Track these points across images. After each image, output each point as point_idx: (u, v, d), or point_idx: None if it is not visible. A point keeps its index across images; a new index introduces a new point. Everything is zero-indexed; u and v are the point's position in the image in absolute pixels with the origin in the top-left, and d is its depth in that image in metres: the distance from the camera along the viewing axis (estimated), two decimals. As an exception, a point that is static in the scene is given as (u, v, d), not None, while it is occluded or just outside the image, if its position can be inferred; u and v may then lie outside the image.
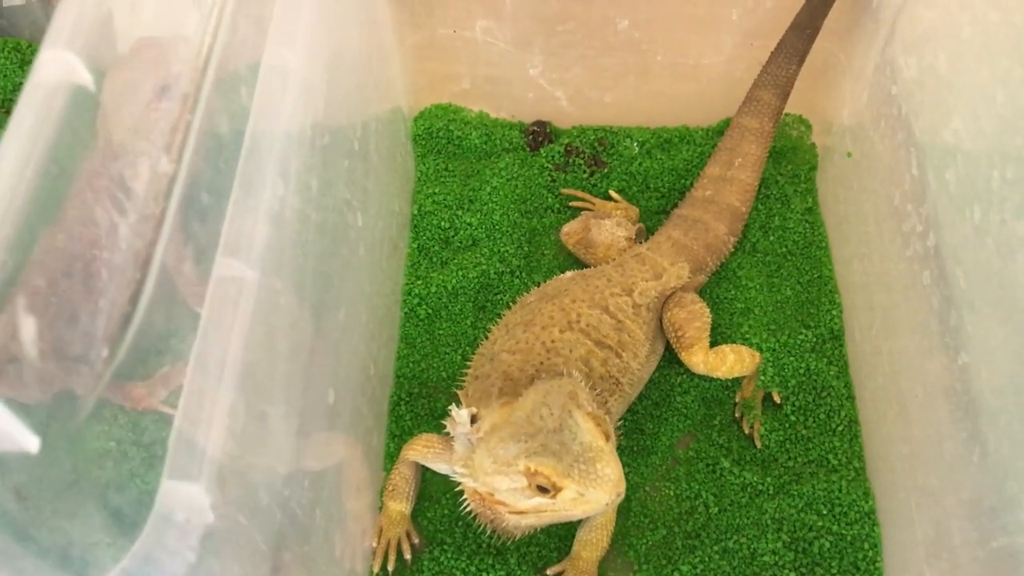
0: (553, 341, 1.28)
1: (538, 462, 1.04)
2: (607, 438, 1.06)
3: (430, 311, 1.47)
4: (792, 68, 1.51)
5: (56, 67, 0.61)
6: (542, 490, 1.05)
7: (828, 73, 1.56)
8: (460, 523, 1.30)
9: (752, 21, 1.51)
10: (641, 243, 1.47)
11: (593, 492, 1.03)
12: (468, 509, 1.16)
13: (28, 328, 0.57)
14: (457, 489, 1.16)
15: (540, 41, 1.53)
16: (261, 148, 0.93)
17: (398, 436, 1.37)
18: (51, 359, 1.13)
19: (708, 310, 1.39)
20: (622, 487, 1.04)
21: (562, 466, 1.04)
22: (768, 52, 1.51)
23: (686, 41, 1.52)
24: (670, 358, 1.40)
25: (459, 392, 1.29)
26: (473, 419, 1.14)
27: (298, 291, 1.00)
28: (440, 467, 1.26)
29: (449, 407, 1.16)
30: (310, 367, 1.06)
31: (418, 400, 1.40)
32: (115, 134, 1.32)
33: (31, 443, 0.51)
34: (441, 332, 1.46)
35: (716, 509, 1.30)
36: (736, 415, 1.38)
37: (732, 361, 1.36)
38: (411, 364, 1.43)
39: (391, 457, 1.35)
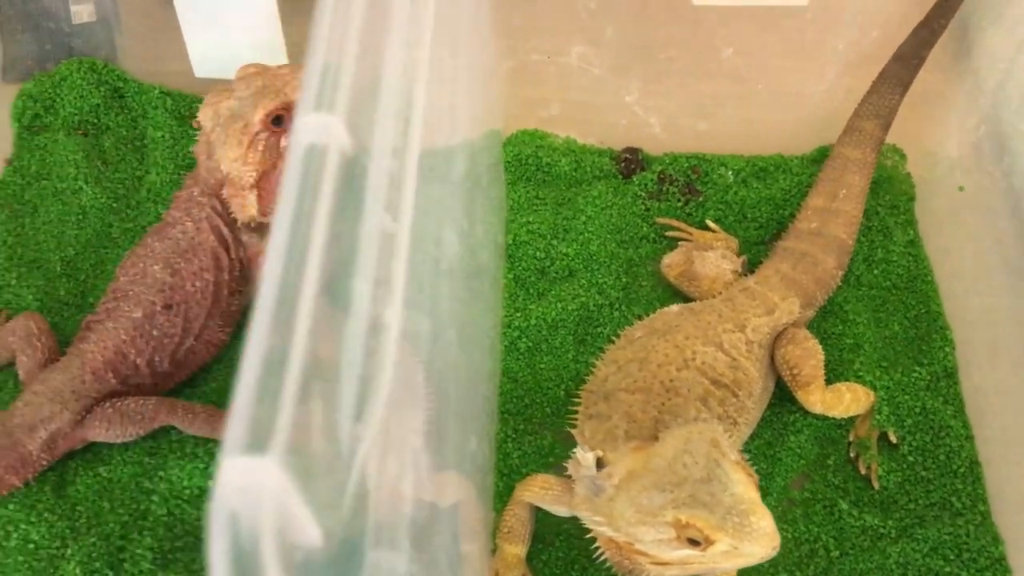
0: (672, 380, 1.24)
1: (690, 514, 1.01)
2: (757, 488, 1.03)
3: (530, 344, 1.43)
4: (895, 98, 1.49)
5: (319, 132, 0.57)
6: (692, 542, 1.02)
7: (927, 103, 1.53)
8: (576, 566, 1.26)
9: (857, 51, 1.49)
10: (746, 276, 1.43)
11: (748, 546, 1.00)
12: (603, 558, 1.13)
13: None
14: (588, 536, 1.12)
15: (640, 68, 1.50)
16: (400, 184, 0.88)
17: (506, 475, 1.33)
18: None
19: (820, 347, 1.36)
20: (777, 541, 1.01)
21: (715, 518, 1.00)
22: (869, 82, 1.48)
23: (789, 70, 1.49)
24: (780, 395, 1.37)
25: (573, 432, 1.25)
26: (599, 463, 1.11)
27: (445, 332, 0.96)
28: (558, 510, 1.22)
29: (573, 450, 1.13)
30: (449, 409, 1.02)
31: (524, 437, 1.36)
32: (222, 164, 1.28)
33: (316, 535, 0.48)
34: (542, 366, 1.42)
35: (837, 553, 1.27)
36: (851, 455, 1.35)
37: (849, 400, 1.33)
38: (515, 400, 1.39)
39: (500, 496, 1.31)
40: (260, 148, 1.25)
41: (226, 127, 1.25)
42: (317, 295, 0.52)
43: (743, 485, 1.03)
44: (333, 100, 0.57)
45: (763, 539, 1.00)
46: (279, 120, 1.25)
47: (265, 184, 1.27)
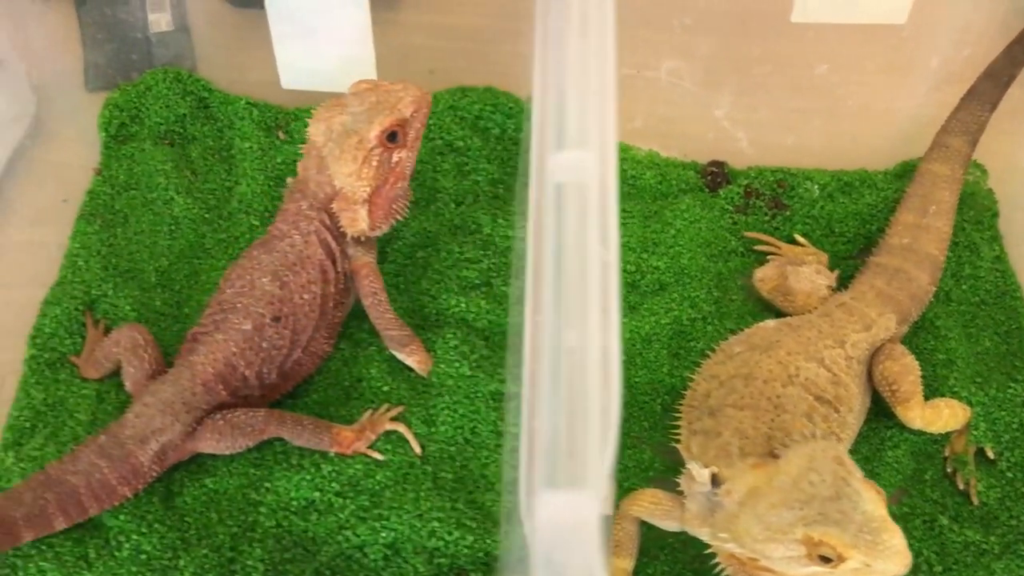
0: (778, 396, 1.25)
1: (822, 532, 1.02)
2: (886, 506, 1.05)
3: (625, 358, 1.44)
4: (984, 115, 1.50)
5: (572, 170, 0.58)
6: (824, 559, 1.03)
7: (1013, 119, 1.54)
8: (682, 580, 1.27)
9: (949, 69, 1.50)
10: (840, 291, 1.44)
11: (882, 563, 1.01)
12: (725, 574, 1.14)
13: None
14: (708, 552, 1.13)
15: (733, 82, 1.51)
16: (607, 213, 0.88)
17: (608, 488, 1.34)
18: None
19: (917, 362, 1.37)
20: (909, 559, 1.02)
21: (848, 536, 1.02)
22: (958, 99, 1.49)
23: (881, 86, 1.50)
24: (875, 410, 1.38)
25: (679, 447, 1.27)
26: (714, 479, 1.12)
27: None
28: (667, 525, 1.23)
29: (685, 466, 1.15)
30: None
31: (624, 451, 1.37)
32: (335, 179, 1.29)
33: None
34: (638, 380, 1.43)
35: (940, 568, 1.28)
36: (948, 470, 1.36)
37: (947, 416, 1.34)
38: (612, 413, 1.40)
39: (602, 510, 1.32)
40: (374, 164, 1.26)
41: (340, 142, 1.26)
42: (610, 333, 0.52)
43: (873, 503, 1.04)
44: (584, 136, 0.58)
45: (896, 557, 1.01)
46: (393, 136, 1.26)
47: (376, 199, 1.28)
